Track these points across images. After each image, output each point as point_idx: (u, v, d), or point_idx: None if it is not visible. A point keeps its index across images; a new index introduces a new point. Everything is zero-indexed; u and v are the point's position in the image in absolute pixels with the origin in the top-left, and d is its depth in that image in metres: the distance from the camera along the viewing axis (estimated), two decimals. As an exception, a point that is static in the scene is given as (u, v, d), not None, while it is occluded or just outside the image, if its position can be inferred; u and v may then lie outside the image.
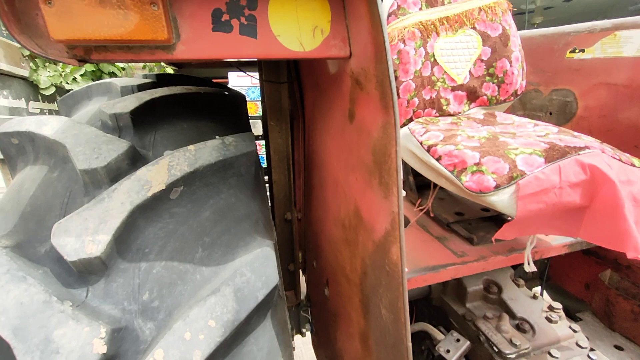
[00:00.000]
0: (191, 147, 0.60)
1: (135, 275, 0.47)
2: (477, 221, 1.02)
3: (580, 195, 0.64)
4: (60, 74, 2.34)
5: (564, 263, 1.22)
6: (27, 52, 2.19)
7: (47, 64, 2.31)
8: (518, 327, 0.86)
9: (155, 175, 0.52)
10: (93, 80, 2.60)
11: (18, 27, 0.38)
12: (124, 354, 0.41)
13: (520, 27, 1.07)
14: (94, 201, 0.48)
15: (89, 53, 0.41)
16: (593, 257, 1.13)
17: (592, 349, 0.86)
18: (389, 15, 0.94)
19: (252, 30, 0.46)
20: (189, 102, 0.75)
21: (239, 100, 0.90)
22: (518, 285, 0.98)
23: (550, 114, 1.23)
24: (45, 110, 2.46)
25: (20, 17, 0.37)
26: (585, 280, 1.18)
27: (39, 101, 2.37)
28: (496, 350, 0.79)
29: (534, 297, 0.94)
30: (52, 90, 2.29)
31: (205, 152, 0.60)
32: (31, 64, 2.23)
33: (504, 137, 0.76)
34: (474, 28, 0.99)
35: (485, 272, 0.94)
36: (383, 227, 0.47)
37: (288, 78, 0.95)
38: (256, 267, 0.51)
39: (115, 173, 0.54)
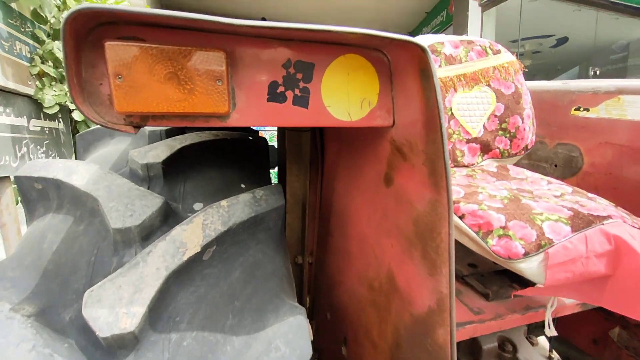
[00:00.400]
0: (224, 202, 0.58)
1: (165, 349, 0.44)
2: (490, 274, 1.02)
3: (605, 265, 0.65)
4: (66, 94, 2.33)
5: (572, 317, 1.21)
6: (35, 71, 2.18)
7: (53, 83, 2.30)
8: (536, 391, 0.84)
9: (190, 236, 0.51)
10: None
11: (82, 95, 0.37)
12: None
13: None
14: (128, 266, 0.46)
15: (146, 120, 0.41)
16: (602, 313, 1.13)
17: None
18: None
19: (304, 101, 0.47)
20: (216, 148, 0.75)
21: (262, 144, 0.90)
22: (532, 344, 0.96)
23: (556, 166, 1.27)
24: (45, 129, 2.42)
25: (84, 87, 0.37)
26: (593, 335, 1.17)
27: (40, 119, 2.34)
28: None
29: (550, 358, 0.93)
30: (56, 109, 2.26)
31: (238, 208, 0.59)
32: (37, 83, 2.22)
33: (525, 198, 0.78)
34: (489, 85, 1.04)
35: (503, 332, 0.93)
36: (426, 304, 0.46)
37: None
38: (290, 339, 0.49)
39: (147, 231, 0.52)
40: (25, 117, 2.14)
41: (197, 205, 0.61)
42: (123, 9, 0.32)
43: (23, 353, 0.37)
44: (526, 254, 0.63)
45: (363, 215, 0.68)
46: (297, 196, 1.00)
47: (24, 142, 2.10)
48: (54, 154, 2.39)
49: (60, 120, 2.48)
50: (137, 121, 0.41)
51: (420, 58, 0.41)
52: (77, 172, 0.58)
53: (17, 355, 0.37)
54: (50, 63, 2.29)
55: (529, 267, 0.63)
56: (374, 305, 0.63)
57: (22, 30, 2.11)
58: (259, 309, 0.54)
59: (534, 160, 1.39)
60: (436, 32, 6.48)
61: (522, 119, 1.05)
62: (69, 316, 0.44)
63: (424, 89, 0.42)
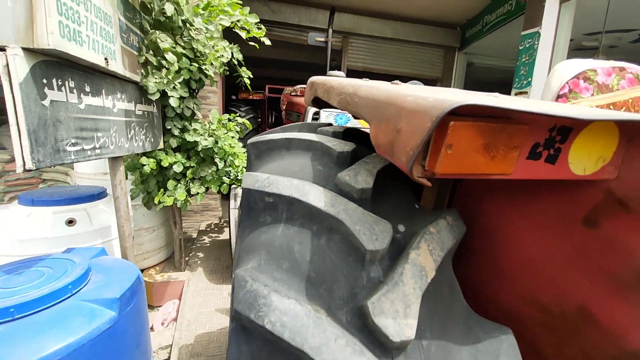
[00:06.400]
0: (432, 229, 0.67)
1: (420, 351, 0.55)
2: None
3: None
4: (164, 82, 2.52)
5: None
6: (142, 60, 2.38)
7: (153, 71, 2.50)
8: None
9: (424, 261, 0.60)
10: (189, 86, 2.78)
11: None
12: None
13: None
14: (392, 284, 0.56)
15: (439, 175, 0.49)
16: None
17: None
18: (559, 97, 0.99)
19: (553, 159, 0.53)
20: (392, 170, 0.83)
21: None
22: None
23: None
24: (145, 112, 2.65)
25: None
26: None
27: (143, 104, 2.57)
28: None
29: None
30: (158, 95, 2.47)
31: (444, 234, 0.67)
32: (142, 71, 2.43)
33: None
34: (637, 112, 1.02)
35: None
36: (647, 343, 0.53)
37: None
38: (512, 352, 0.58)
39: (383, 253, 0.61)
40: (133, 102, 2.36)
41: (400, 227, 0.70)
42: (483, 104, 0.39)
43: (341, 347, 0.48)
44: None
45: (535, 245, 0.74)
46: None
47: (132, 125, 2.33)
48: (150, 135, 2.63)
49: (154, 104, 2.70)
50: (429, 175, 0.49)
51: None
52: (310, 193, 0.68)
53: (337, 349, 0.48)
54: (151, 52, 2.48)
55: None
56: (546, 327, 0.70)
57: (134, 21, 2.30)
58: (467, 324, 0.63)
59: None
60: (502, 22, 6.07)
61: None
62: (345, 318, 0.56)
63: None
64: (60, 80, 1.52)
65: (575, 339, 0.64)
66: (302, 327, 0.50)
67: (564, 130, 0.51)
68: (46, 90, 1.44)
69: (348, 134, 1.01)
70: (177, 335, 2.40)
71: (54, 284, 1.42)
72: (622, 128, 0.54)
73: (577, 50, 7.21)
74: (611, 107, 1.00)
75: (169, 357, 2.24)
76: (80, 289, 1.51)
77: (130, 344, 1.59)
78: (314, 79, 1.15)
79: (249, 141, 1.01)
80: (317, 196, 0.67)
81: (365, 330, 0.53)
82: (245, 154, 2.48)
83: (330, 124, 1.12)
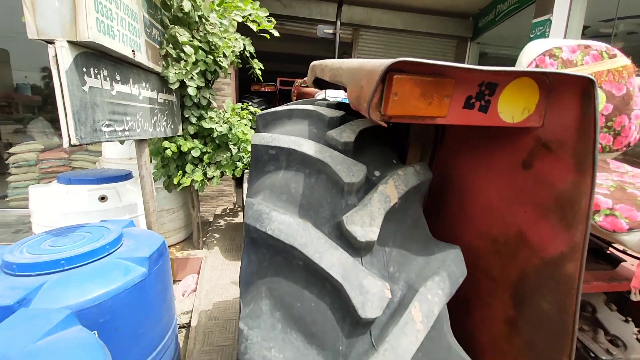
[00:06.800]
0: (400, 172, 0.84)
1: (383, 254, 0.72)
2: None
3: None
4: (183, 73, 2.75)
5: None
6: (163, 52, 2.61)
7: (173, 63, 2.73)
8: (611, 342, 1.03)
9: (390, 192, 0.77)
10: (205, 77, 3.00)
11: (372, 103, 0.62)
12: (390, 302, 0.67)
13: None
14: (362, 205, 0.73)
15: (391, 118, 0.65)
16: None
17: None
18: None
19: (485, 109, 0.69)
20: (373, 130, 1.00)
21: (399, 130, 1.14)
22: (610, 309, 1.13)
23: (654, 163, 1.35)
24: (166, 101, 2.88)
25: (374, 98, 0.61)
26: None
27: (164, 93, 2.80)
28: (593, 356, 0.97)
29: (626, 320, 1.09)
30: (177, 85, 2.69)
31: (410, 176, 0.84)
32: (163, 62, 2.66)
33: (630, 188, 0.93)
34: (601, 87, 1.15)
35: (583, 294, 1.11)
36: (558, 250, 0.68)
37: None
38: (458, 261, 0.75)
39: (359, 186, 0.79)
40: (155, 91, 2.60)
41: (377, 172, 0.88)
42: (415, 60, 0.55)
43: (322, 244, 0.66)
44: (630, 229, 0.81)
45: (491, 188, 0.90)
46: None
47: (155, 111, 2.57)
48: (170, 122, 2.87)
49: (174, 93, 2.94)
50: (386, 118, 0.66)
51: (584, 85, 0.61)
52: (304, 145, 0.86)
53: (319, 245, 0.66)
54: (171, 45, 2.70)
55: (631, 240, 0.81)
56: (496, 253, 0.86)
57: (155, 17, 2.52)
58: (426, 244, 0.81)
59: (629, 156, 1.46)
60: (515, 10, 6.02)
61: (630, 119, 1.15)
62: (327, 230, 0.74)
63: (583, 105, 0.62)
64: (96, 69, 1.76)
65: (513, 258, 0.80)
66: (294, 231, 0.68)
67: (491, 85, 0.67)
68: (85, 77, 1.67)
69: (340, 106, 1.19)
70: (197, 303, 2.65)
71: (93, 244, 1.67)
72: (540, 84, 0.69)
73: (595, 37, 7.04)
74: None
75: (190, 320, 2.50)
76: (116, 250, 1.76)
77: (158, 298, 1.83)
78: (314, 63, 1.32)
79: (257, 114, 1.21)
80: (309, 147, 0.85)
81: (342, 238, 0.71)
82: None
83: (326, 100, 1.29)
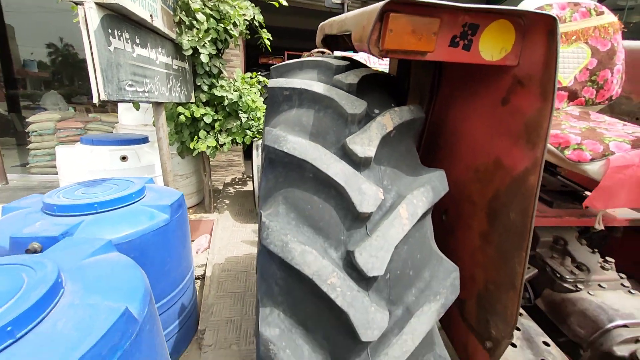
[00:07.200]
0: (396, 109, 0.98)
1: (379, 171, 0.88)
2: (556, 193, 1.32)
3: (651, 174, 0.94)
4: (195, 40, 2.85)
5: (618, 241, 1.48)
6: (176, 19, 2.70)
7: (186, 30, 2.82)
8: (577, 267, 1.19)
9: (386, 122, 0.91)
10: (216, 46, 3.09)
11: (370, 39, 0.75)
12: (381, 205, 0.83)
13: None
14: (362, 130, 0.88)
15: (388, 53, 0.78)
16: None
17: (633, 289, 1.16)
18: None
19: (468, 47, 0.81)
20: (376, 78, 1.13)
21: (397, 79, 1.27)
22: (581, 244, 1.28)
23: (637, 119, 1.45)
24: (180, 67, 3.00)
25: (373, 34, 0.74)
26: (635, 258, 1.44)
27: (178, 60, 2.91)
28: (559, 276, 1.13)
29: (593, 251, 1.25)
30: (191, 52, 2.80)
31: (405, 112, 0.97)
32: (177, 29, 2.75)
33: (599, 129, 1.06)
34: (587, 42, 1.25)
35: (556, 228, 1.26)
36: (523, 166, 0.82)
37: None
38: (440, 179, 0.90)
39: (360, 118, 0.93)
40: (170, 57, 2.71)
41: (376, 110, 1.01)
42: (407, 0, 0.68)
43: (328, 158, 0.82)
44: (592, 159, 0.94)
45: (476, 126, 1.03)
46: None
47: (170, 77, 2.70)
48: (184, 89, 2.99)
49: (187, 61, 3.04)
50: (384, 53, 0.78)
51: (550, 24, 0.73)
52: (314, 86, 1.00)
53: (325, 158, 0.82)
54: (184, 13, 2.79)
55: (592, 168, 0.95)
56: (477, 181, 1.01)
57: (169, -18, 2.59)
58: (415, 167, 0.96)
59: (617, 114, 1.57)
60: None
61: (612, 73, 1.25)
62: (333, 149, 0.88)
63: (548, 42, 0.74)
64: (119, 31, 1.88)
65: (491, 182, 0.94)
66: (306, 149, 0.84)
67: (473, 26, 0.78)
68: (111, 38, 1.80)
69: (345, 59, 1.31)
70: (211, 257, 2.88)
71: (121, 193, 1.86)
72: (516, 26, 0.80)
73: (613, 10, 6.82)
74: (562, 36, 1.23)
75: (204, 272, 2.73)
76: (140, 199, 1.95)
77: (179, 243, 2.04)
78: (322, 23, 1.43)
79: (272, 67, 1.34)
80: (318, 87, 0.99)
81: (345, 156, 0.86)
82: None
83: (335, 56, 1.42)
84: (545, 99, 0.77)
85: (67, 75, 6.53)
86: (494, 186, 0.93)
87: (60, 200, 1.72)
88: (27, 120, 4.81)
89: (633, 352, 0.93)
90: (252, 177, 3.67)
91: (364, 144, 0.85)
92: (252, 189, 4.44)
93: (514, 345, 1.04)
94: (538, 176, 0.77)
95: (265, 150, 0.89)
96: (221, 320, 2.20)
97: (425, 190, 0.85)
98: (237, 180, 5.00)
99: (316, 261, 0.75)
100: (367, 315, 0.73)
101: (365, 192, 0.79)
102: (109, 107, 6.49)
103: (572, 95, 1.30)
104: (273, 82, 1.07)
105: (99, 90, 1.73)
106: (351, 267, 0.78)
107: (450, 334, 1.08)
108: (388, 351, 0.75)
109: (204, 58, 2.89)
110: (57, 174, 2.76)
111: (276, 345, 0.75)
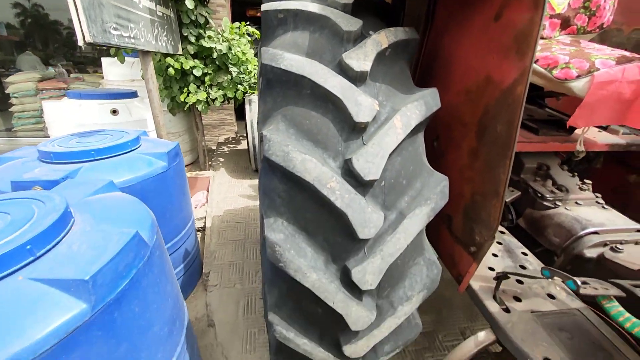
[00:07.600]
0: (392, 29, 0.98)
1: (374, 87, 0.91)
2: (542, 121, 1.38)
3: (633, 90, 0.99)
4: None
5: (597, 171, 1.58)
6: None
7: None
8: (557, 188, 1.28)
9: (381, 40, 0.92)
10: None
11: None
12: (377, 116, 0.87)
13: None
14: (358, 47, 0.89)
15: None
16: (623, 166, 1.47)
17: (606, 204, 1.27)
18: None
19: None
20: (372, 3, 1.12)
21: (393, 7, 1.25)
22: (562, 169, 1.37)
23: (626, 50, 1.48)
24: (164, 15, 2.83)
25: None
26: (614, 184, 1.55)
27: (161, 6, 2.74)
28: (540, 196, 1.22)
29: (572, 175, 1.33)
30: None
31: (399, 32, 0.98)
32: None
33: (587, 50, 1.08)
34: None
35: (540, 154, 1.33)
36: (512, 77, 0.86)
37: None
38: (433, 96, 0.94)
39: (355, 36, 0.94)
40: (153, 2, 2.56)
41: (371, 32, 1.02)
42: None
43: (325, 72, 0.84)
44: (578, 76, 0.98)
45: (470, 48, 1.05)
46: None
47: (155, 24, 2.57)
48: (170, 39, 2.87)
49: (171, 9, 2.88)
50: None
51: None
52: (309, 6, 0.99)
53: (322, 72, 0.84)
54: (164, -49, 2.58)
55: (577, 85, 0.99)
56: (468, 102, 1.04)
57: None
58: (408, 85, 0.99)
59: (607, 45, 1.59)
60: None
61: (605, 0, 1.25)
62: (330, 66, 0.90)
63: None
64: (98, -34, 1.76)
65: (481, 98, 0.98)
66: (303, 65, 0.85)
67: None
68: (89, -26, 1.69)
69: None
70: (209, 210, 2.96)
71: (117, 141, 1.85)
72: None
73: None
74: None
75: (204, 224, 2.82)
76: (136, 148, 1.95)
77: (178, 191, 2.09)
78: None
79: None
80: (314, 7, 0.98)
81: (342, 72, 0.88)
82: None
83: None
84: (537, 7, 0.78)
85: (40, 37, 6.13)
86: (483, 102, 0.97)
87: (56, 148, 1.72)
88: (5, 81, 4.59)
89: (601, 254, 1.03)
90: (247, 135, 3.65)
91: (360, 58, 0.86)
92: (246, 147, 4.43)
93: (495, 255, 1.15)
94: (525, 86, 0.81)
95: (262, 70, 0.90)
96: (224, 263, 2.32)
97: (418, 104, 0.89)
98: (230, 139, 4.97)
99: (316, 168, 0.80)
100: (364, 215, 0.80)
101: (361, 104, 0.82)
102: (90, 68, 6.19)
103: (565, 23, 1.31)
104: (266, 5, 1.05)
105: (83, 32, 1.67)
106: (349, 174, 0.83)
107: (438, 248, 1.18)
108: (383, 247, 0.84)
109: (188, 4, 2.74)
110: (44, 136, 2.71)
111: (282, 247, 0.83)
